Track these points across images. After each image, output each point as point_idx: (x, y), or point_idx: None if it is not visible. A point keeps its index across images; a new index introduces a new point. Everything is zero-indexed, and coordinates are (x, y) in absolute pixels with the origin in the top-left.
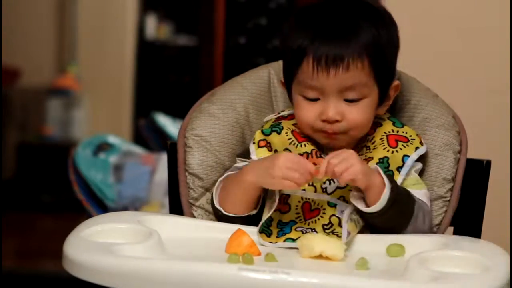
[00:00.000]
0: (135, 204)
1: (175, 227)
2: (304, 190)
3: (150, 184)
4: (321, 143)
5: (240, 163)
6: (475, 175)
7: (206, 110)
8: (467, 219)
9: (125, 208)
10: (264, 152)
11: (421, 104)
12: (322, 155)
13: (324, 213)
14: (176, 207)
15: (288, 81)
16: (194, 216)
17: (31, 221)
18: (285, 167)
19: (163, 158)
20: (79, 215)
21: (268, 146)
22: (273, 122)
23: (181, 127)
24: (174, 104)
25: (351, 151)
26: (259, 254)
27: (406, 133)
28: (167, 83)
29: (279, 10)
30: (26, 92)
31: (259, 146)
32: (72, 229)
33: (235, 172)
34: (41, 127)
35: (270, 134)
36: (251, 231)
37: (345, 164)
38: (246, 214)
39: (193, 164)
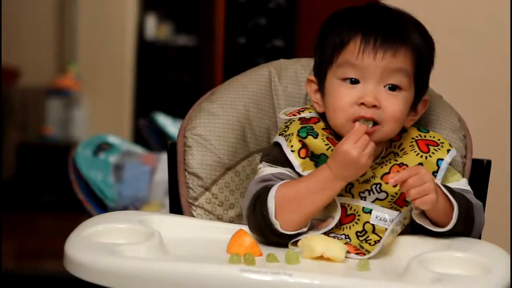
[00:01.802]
0: (135, 204)
1: (176, 227)
2: (341, 195)
3: (150, 184)
4: None
5: (273, 168)
6: (475, 175)
7: (206, 109)
8: None
9: (125, 208)
10: (309, 165)
11: (428, 105)
12: None
13: (358, 220)
14: (177, 207)
15: (323, 72)
16: (193, 216)
17: (31, 221)
18: (358, 146)
19: (163, 158)
20: (79, 215)
21: (305, 148)
22: (301, 125)
23: (181, 127)
24: (174, 104)
25: (430, 175)
26: (261, 254)
27: (434, 137)
28: (167, 83)
29: (279, 10)
30: (26, 92)
31: (300, 157)
32: (72, 229)
33: (295, 183)
34: (41, 127)
35: (306, 137)
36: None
37: (422, 191)
38: (300, 231)
39: (193, 163)
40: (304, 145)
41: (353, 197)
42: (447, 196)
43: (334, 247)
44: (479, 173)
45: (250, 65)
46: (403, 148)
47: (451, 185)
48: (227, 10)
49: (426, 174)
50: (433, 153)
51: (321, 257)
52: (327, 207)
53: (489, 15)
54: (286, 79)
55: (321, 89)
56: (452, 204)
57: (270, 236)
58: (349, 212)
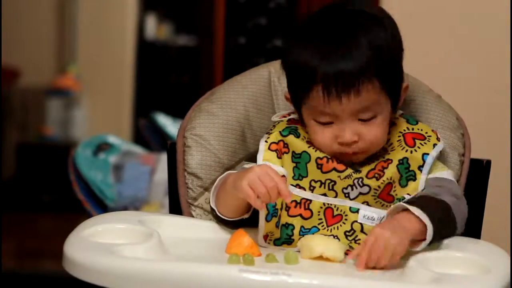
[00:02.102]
0: (135, 204)
1: (175, 227)
2: (325, 195)
3: (150, 184)
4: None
5: (246, 165)
6: (475, 175)
7: (205, 109)
8: (467, 219)
9: (125, 208)
10: (272, 157)
11: (425, 104)
12: (342, 161)
13: (346, 219)
14: (176, 207)
15: (296, 100)
16: (193, 216)
17: (31, 221)
18: (256, 176)
19: (163, 158)
20: (79, 215)
21: (286, 147)
22: (287, 124)
23: (180, 127)
24: (174, 104)
25: (383, 237)
26: (260, 254)
27: (422, 130)
28: (167, 83)
29: (279, 10)
30: (26, 92)
31: (269, 149)
32: (72, 229)
33: (233, 172)
34: (41, 127)
35: (288, 135)
36: (253, 232)
37: (386, 258)
38: (237, 219)
39: (192, 163)
40: (283, 143)
41: (336, 195)
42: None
43: (333, 247)
44: (478, 173)
45: (250, 65)
46: (391, 144)
47: (434, 175)
48: (227, 10)
49: (376, 243)
50: (418, 147)
51: (320, 257)
52: None
53: (489, 15)
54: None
55: (299, 112)
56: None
57: (216, 218)
58: (335, 213)
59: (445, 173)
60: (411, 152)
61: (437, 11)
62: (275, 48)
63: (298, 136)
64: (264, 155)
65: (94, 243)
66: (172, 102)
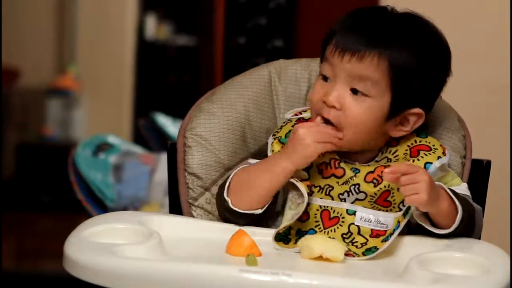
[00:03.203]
0: (135, 204)
1: (175, 227)
2: (322, 198)
3: (150, 184)
4: None
5: (253, 160)
6: (475, 175)
7: (205, 109)
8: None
9: (125, 208)
10: None
11: None
12: (341, 164)
13: (343, 222)
14: (176, 207)
15: (320, 62)
16: (193, 216)
17: (30, 221)
18: (310, 133)
19: (163, 158)
20: (79, 215)
21: None
22: (291, 127)
23: (180, 127)
24: (174, 104)
25: (426, 176)
26: (260, 254)
27: (429, 143)
28: (167, 83)
29: (279, 10)
30: (26, 92)
31: None
32: (72, 229)
33: (255, 163)
34: (41, 127)
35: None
36: (253, 232)
37: (412, 189)
38: (252, 211)
39: (192, 163)
40: None
41: (332, 199)
42: (452, 199)
43: (333, 247)
44: (478, 173)
45: (250, 65)
46: (397, 155)
47: (451, 187)
48: (227, 10)
49: (422, 175)
50: (422, 157)
51: (320, 258)
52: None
53: (489, 15)
54: (286, 79)
55: None
56: (456, 208)
57: (225, 213)
58: (332, 215)
59: (462, 187)
60: (413, 161)
61: (436, 11)
62: (275, 48)
63: None
64: None
65: (94, 243)
66: (172, 102)
